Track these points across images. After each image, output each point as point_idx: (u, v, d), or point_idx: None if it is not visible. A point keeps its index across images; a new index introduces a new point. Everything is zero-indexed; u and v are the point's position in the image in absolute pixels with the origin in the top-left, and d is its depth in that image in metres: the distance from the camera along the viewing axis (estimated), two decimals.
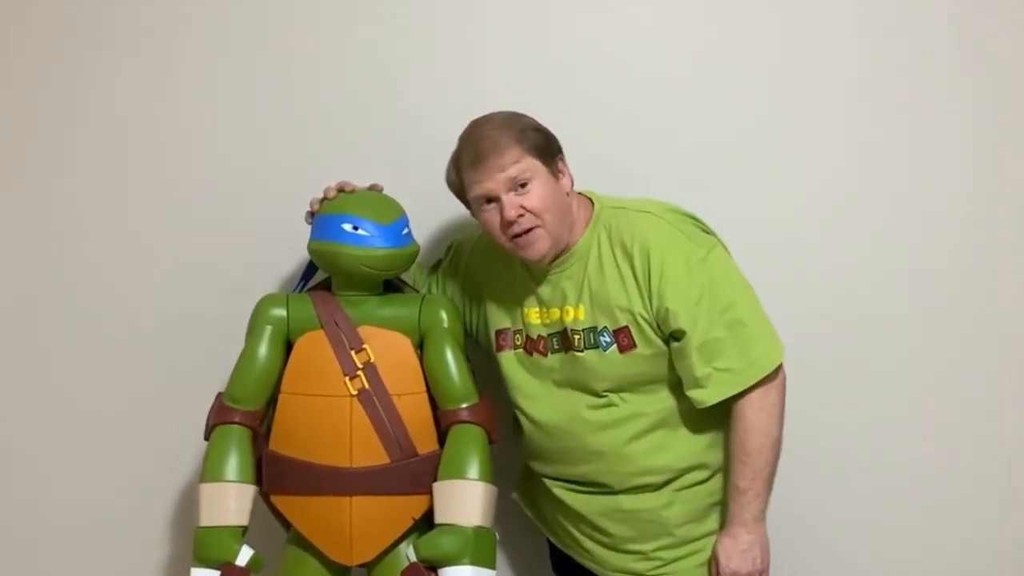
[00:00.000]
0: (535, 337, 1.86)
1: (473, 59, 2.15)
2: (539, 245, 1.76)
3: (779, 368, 1.74)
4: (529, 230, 1.74)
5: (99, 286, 2.23)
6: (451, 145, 2.09)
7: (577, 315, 1.80)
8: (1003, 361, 2.13)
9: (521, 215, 1.73)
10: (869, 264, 2.12)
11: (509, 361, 1.90)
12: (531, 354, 1.87)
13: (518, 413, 1.91)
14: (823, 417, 2.09)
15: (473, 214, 1.83)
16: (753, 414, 1.72)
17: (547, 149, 1.77)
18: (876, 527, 2.18)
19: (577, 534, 1.90)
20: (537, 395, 1.87)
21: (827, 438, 2.11)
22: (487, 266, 1.93)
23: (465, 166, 1.76)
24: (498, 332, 1.91)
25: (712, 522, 1.83)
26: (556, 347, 1.84)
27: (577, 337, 1.80)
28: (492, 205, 1.75)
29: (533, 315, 1.86)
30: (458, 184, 1.81)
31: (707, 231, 1.83)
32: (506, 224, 1.74)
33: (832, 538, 2.17)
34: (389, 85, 2.17)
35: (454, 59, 2.15)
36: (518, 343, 1.88)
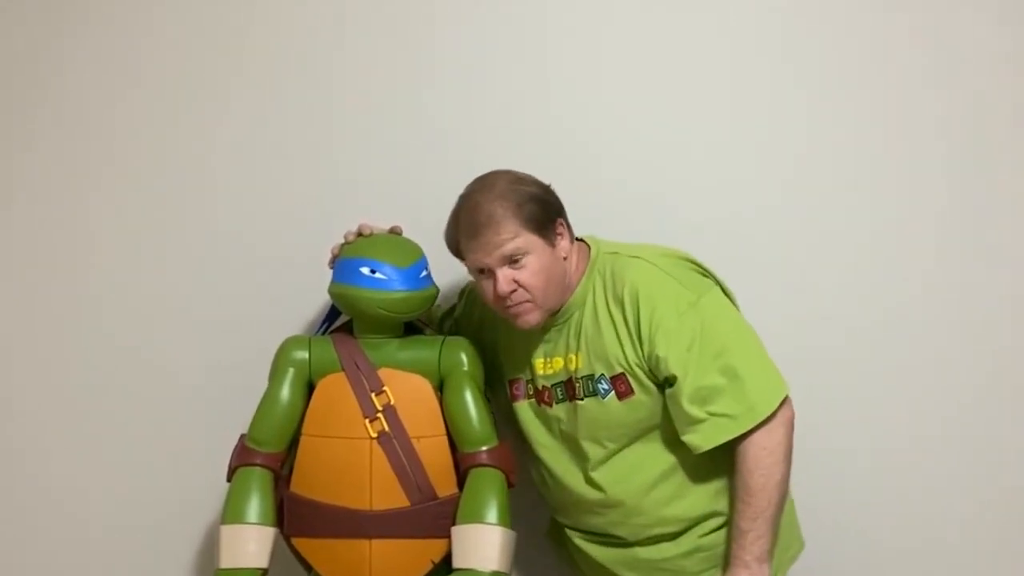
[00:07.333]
0: (540, 388, 1.86)
1: (493, 106, 2.18)
2: (529, 317, 1.76)
3: (782, 408, 1.70)
4: (520, 303, 1.75)
5: (127, 330, 2.26)
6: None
7: (578, 363, 1.79)
8: (998, 363, 2.15)
9: (514, 289, 1.73)
10: (857, 268, 2.15)
11: (524, 411, 1.90)
12: (539, 404, 1.87)
13: (535, 464, 1.90)
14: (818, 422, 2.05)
15: (471, 274, 1.84)
16: (755, 454, 1.68)
17: (545, 219, 1.75)
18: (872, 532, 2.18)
19: None
20: (550, 445, 1.87)
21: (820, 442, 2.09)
22: (498, 317, 1.92)
23: (462, 235, 1.77)
24: (511, 381, 1.91)
25: None
26: (560, 397, 1.83)
27: (578, 385, 1.79)
28: (487, 275, 1.76)
29: (539, 365, 1.86)
30: (455, 248, 1.82)
31: (705, 274, 1.81)
32: (499, 297, 1.74)
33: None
34: (416, 128, 2.19)
35: (477, 106, 2.19)
36: (530, 393, 1.88)
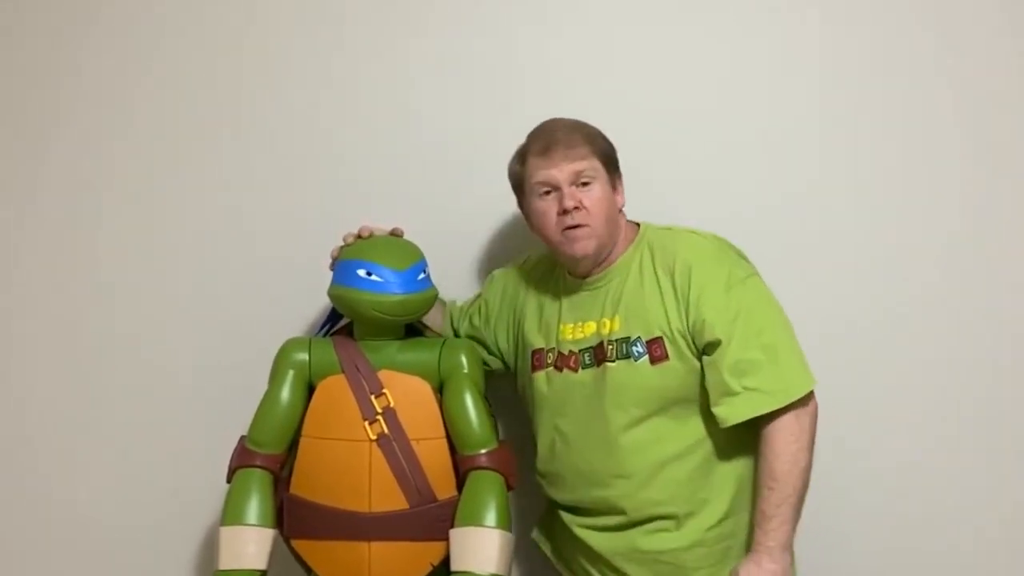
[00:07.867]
0: (567, 353, 1.85)
1: (493, 106, 2.18)
2: (586, 243, 1.79)
3: (810, 397, 1.72)
4: (579, 226, 1.78)
5: (127, 330, 2.26)
6: (479, 188, 2.14)
7: (612, 326, 1.80)
8: (1000, 364, 2.15)
9: (577, 208, 1.77)
10: (857, 269, 2.15)
11: (540, 380, 1.89)
12: (561, 370, 1.86)
13: (548, 435, 1.89)
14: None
15: (526, 207, 1.87)
16: (783, 438, 1.69)
17: (611, 160, 1.85)
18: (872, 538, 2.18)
19: (596, 575, 1.87)
20: (569, 413, 1.85)
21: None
22: (527, 287, 1.97)
23: (533, 154, 1.81)
24: (534, 352, 1.91)
25: (728, 568, 1.78)
26: (588, 362, 1.83)
27: (611, 348, 1.79)
28: (551, 196, 1.80)
29: (567, 331, 1.86)
30: (519, 174, 1.86)
31: (749, 262, 1.84)
32: (562, 212, 1.78)
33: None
34: (416, 128, 2.19)
35: (478, 106, 2.18)
36: (550, 361, 1.88)
